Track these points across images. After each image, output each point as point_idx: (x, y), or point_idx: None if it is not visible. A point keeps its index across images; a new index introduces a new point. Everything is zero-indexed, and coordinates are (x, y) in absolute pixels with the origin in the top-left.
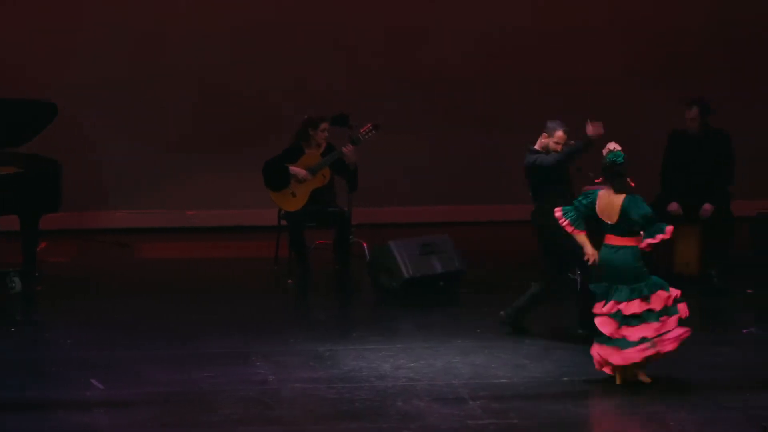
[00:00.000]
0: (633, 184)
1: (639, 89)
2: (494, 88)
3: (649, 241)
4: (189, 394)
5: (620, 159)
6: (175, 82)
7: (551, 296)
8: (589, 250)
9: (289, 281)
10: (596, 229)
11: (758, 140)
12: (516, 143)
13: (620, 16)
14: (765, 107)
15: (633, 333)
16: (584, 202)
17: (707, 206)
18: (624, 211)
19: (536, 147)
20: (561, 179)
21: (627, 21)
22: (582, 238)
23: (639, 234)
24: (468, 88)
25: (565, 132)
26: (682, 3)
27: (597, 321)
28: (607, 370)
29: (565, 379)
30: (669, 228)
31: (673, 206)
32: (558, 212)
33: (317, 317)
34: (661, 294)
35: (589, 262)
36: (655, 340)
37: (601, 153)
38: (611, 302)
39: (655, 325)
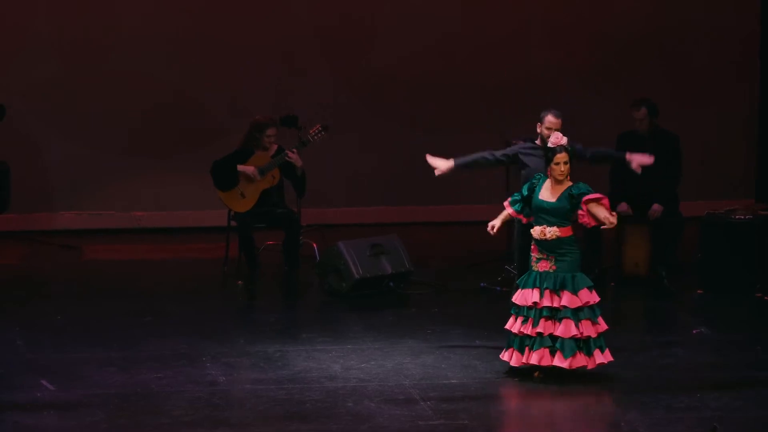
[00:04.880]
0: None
1: (583, 91)
2: (439, 91)
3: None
4: (139, 396)
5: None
6: (123, 85)
7: None
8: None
9: (239, 282)
10: None
11: (706, 141)
12: (462, 145)
13: (559, 19)
14: (709, 109)
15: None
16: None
17: (656, 206)
18: None
19: (536, 142)
20: None
21: (566, 22)
22: None
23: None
24: (413, 90)
25: (555, 116)
26: (621, 6)
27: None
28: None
29: (516, 379)
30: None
31: (623, 206)
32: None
33: (267, 318)
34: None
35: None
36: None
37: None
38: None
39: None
